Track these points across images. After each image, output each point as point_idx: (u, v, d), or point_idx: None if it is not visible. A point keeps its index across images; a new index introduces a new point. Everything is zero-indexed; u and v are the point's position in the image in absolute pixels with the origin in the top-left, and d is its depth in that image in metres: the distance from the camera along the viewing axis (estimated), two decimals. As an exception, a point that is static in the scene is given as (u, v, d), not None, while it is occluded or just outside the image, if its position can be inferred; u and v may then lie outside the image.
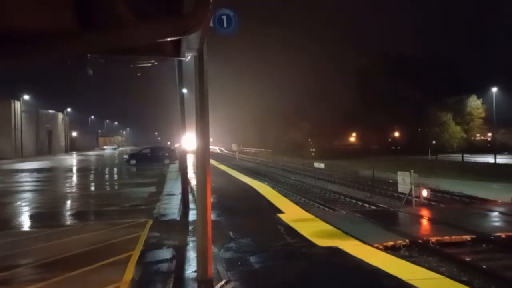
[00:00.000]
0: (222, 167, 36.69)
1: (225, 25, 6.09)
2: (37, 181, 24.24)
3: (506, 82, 62.02)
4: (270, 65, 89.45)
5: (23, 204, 15.05)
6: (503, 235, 9.64)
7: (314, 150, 62.14)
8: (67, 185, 22.69)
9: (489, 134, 68.68)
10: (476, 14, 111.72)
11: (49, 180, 25.08)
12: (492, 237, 9.54)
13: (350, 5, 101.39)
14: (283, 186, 24.33)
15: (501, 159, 40.23)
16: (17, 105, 59.91)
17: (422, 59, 68.71)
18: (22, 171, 32.66)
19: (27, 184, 22.70)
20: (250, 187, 19.30)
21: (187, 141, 13.80)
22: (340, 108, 69.77)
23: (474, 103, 64.20)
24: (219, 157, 62.77)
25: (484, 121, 64.40)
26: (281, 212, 12.47)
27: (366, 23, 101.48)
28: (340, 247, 8.23)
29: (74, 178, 27.42)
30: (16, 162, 44.86)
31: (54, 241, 8.92)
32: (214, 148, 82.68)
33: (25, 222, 11.99)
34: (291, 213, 12.17)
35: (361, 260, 7.33)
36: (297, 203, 15.14)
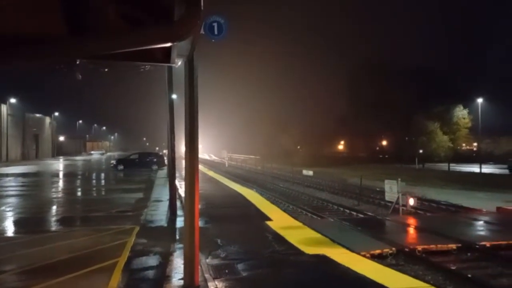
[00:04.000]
0: (211, 173, 36.59)
1: (216, 32, 6.12)
2: (22, 186, 23.90)
3: (492, 92, 63.22)
4: (259, 72, 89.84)
5: (7, 209, 14.81)
6: (488, 244, 9.75)
7: (299, 150, 62.26)
8: (53, 190, 22.39)
9: (475, 144, 69.65)
10: (464, 24, 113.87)
11: (35, 185, 24.73)
12: (477, 246, 9.65)
13: (341, 13, 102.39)
14: (272, 193, 24.33)
15: (486, 169, 40.79)
16: (3, 108, 59.09)
17: (409, 68, 69.54)
18: (7, 175, 32.16)
19: (11, 188, 22.35)
20: (239, 194, 19.27)
21: (176, 147, 13.74)
22: (329, 115, 70.31)
23: (461, 113, 65.11)
24: (208, 164, 62.60)
25: (470, 131, 65.30)
26: (269, 219, 12.47)
27: (355, 31, 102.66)
28: (328, 255, 8.25)
29: (61, 183, 27.09)
30: (1, 167, 44.17)
31: (38, 247, 8.79)
32: (203, 154, 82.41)
33: (9, 228, 11.79)
34: (279, 221, 12.17)
35: (348, 268, 7.36)
36: (285, 211, 15.15)
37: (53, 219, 13.28)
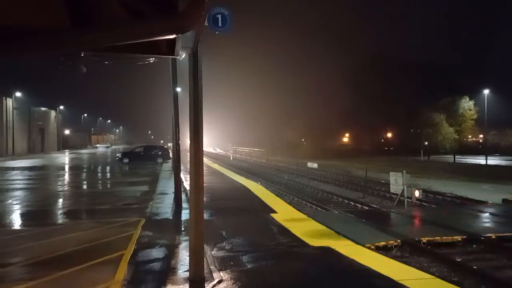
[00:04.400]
0: (216, 166, 36.67)
1: (220, 24, 6.09)
2: (28, 179, 24.05)
3: (498, 84, 62.72)
4: (264, 65, 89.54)
5: (14, 202, 14.93)
6: (493, 235, 9.73)
7: (304, 142, 62.22)
8: (59, 183, 22.54)
9: (481, 135, 69.21)
10: (470, 16, 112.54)
11: (41, 178, 24.89)
12: (482, 238, 9.62)
13: (347, 6, 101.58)
14: (276, 186, 24.36)
15: (492, 161, 40.58)
16: (9, 102, 59.32)
17: (415, 60, 69.10)
18: (13, 169, 32.39)
19: (18, 182, 22.52)
20: (243, 187, 19.30)
21: (181, 140, 13.77)
22: (334, 108, 70.01)
23: (467, 105, 64.63)
24: (213, 156, 62.73)
25: (476, 123, 64.85)
26: (274, 211, 12.49)
27: (360, 23, 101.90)
28: (332, 247, 8.26)
29: (66, 176, 27.24)
30: (7, 160, 44.47)
31: (45, 240, 8.86)
32: (207, 148, 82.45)
33: (16, 220, 11.89)
34: (284, 213, 12.19)
35: (353, 260, 7.37)
36: (290, 203, 15.16)
37: (59, 212, 13.37)
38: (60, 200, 15.79)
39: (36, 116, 70.84)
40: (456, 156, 44.19)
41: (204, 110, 6.19)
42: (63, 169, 34.33)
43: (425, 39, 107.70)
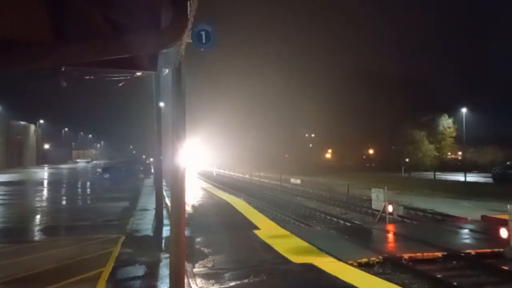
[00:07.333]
0: (200, 182, 36.42)
1: (203, 40, 6.11)
2: (4, 195, 23.45)
3: (476, 102, 64.33)
4: (248, 81, 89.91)
5: (-10, 218, 14.51)
6: (473, 252, 9.85)
7: (287, 158, 62.55)
8: (37, 199, 22.02)
9: (460, 153, 70.56)
10: (450, 34, 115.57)
11: (18, 194, 24.30)
12: (462, 254, 9.73)
13: (328, 21, 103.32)
14: (259, 202, 24.24)
15: (471, 177, 41.29)
16: (-13, 115, 58.17)
17: (396, 77, 70.28)
18: (-10, 184, 31.56)
19: (-6, 197, 21.93)
20: (226, 202, 19.19)
21: (164, 155, 13.67)
22: (316, 124, 70.66)
23: (446, 122, 65.94)
24: (197, 172, 62.30)
25: (455, 140, 66.16)
26: (257, 228, 12.42)
27: (342, 40, 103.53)
28: (315, 263, 8.24)
29: (45, 192, 26.66)
30: (-16, 175, 43.34)
31: (22, 257, 8.62)
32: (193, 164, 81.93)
33: (-9, 237, 11.54)
34: (267, 229, 12.14)
35: (336, 277, 7.35)
36: (273, 219, 15.11)
37: (37, 228, 13.05)
38: (38, 216, 15.41)
39: (15, 130, 69.53)
40: (436, 173, 44.81)
41: (188, 127, 6.15)
42: (42, 184, 33.62)
43: (407, 55, 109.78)
